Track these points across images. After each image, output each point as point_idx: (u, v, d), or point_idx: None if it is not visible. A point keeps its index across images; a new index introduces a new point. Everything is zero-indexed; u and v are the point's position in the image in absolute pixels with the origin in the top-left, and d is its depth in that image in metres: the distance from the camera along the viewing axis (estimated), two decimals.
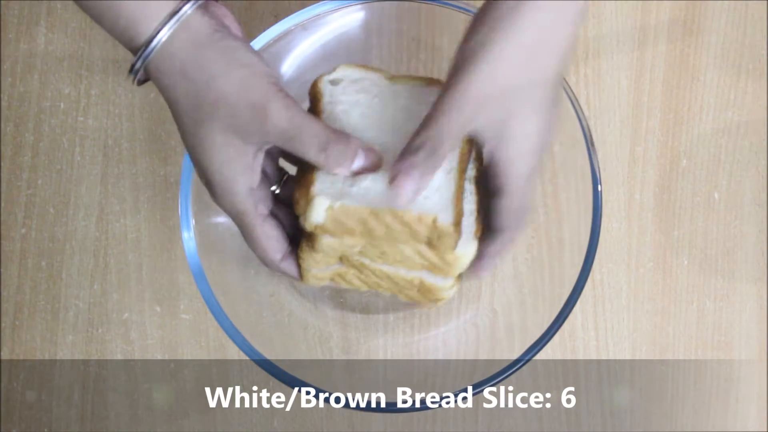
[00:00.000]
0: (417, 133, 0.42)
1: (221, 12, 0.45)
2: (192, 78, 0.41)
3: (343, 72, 0.44)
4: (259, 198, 0.45)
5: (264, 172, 0.46)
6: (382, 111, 0.45)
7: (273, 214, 0.48)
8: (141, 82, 0.44)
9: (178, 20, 0.41)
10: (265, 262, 0.48)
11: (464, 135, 0.43)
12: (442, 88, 0.42)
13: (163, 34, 0.41)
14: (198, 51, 0.41)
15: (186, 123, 0.43)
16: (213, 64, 0.41)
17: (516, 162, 0.44)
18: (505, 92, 0.42)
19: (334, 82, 0.44)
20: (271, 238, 0.47)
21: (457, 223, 0.45)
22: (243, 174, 0.43)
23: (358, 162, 0.43)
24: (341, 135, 0.43)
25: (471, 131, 0.43)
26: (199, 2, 0.42)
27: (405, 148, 0.42)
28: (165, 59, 0.41)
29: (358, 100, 0.44)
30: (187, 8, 0.41)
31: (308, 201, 0.43)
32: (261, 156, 0.44)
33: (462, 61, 0.41)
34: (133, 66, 0.42)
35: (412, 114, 0.44)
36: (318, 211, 0.43)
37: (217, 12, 0.44)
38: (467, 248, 0.48)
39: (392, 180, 0.41)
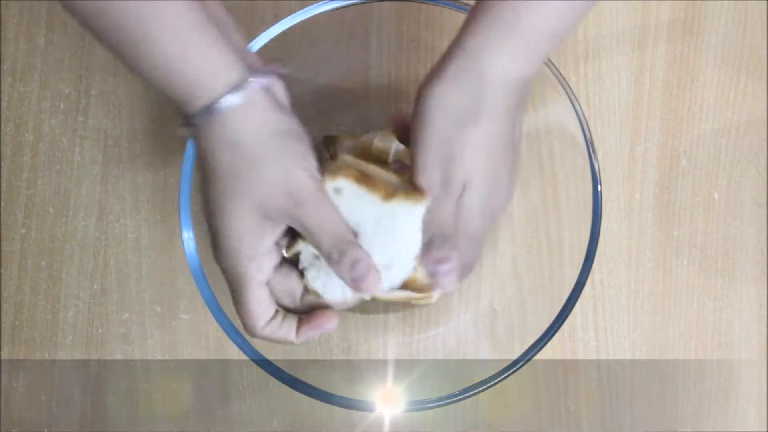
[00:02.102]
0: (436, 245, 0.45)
1: (274, 84, 0.45)
2: (241, 152, 0.42)
3: (344, 183, 0.46)
4: (261, 265, 0.46)
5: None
6: (374, 229, 0.47)
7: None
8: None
9: (245, 94, 0.42)
10: (246, 325, 0.47)
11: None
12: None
13: (228, 103, 0.41)
14: (255, 128, 0.42)
15: (216, 189, 0.43)
16: (265, 146, 0.43)
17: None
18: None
19: (336, 191, 0.46)
20: (261, 304, 0.47)
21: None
22: (254, 245, 0.44)
23: (359, 274, 0.45)
24: (355, 247, 0.45)
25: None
26: (267, 80, 0.43)
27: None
28: (218, 126, 0.42)
29: (357, 220, 0.47)
30: (256, 84, 0.42)
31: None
32: (279, 231, 0.45)
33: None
34: (187, 123, 0.43)
35: (404, 236, 0.47)
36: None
37: (272, 86, 0.45)
38: None
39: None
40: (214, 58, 0.41)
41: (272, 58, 0.47)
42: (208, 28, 0.41)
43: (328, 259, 0.45)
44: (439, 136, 0.44)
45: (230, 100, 0.41)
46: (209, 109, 0.41)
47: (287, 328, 0.48)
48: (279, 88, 0.46)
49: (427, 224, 0.46)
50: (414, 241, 0.46)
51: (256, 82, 0.42)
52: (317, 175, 0.45)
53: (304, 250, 0.48)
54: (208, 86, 0.41)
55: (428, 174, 0.45)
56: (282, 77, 0.46)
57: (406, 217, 0.46)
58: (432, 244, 0.46)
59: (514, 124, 0.45)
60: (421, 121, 0.44)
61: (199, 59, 0.41)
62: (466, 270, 0.47)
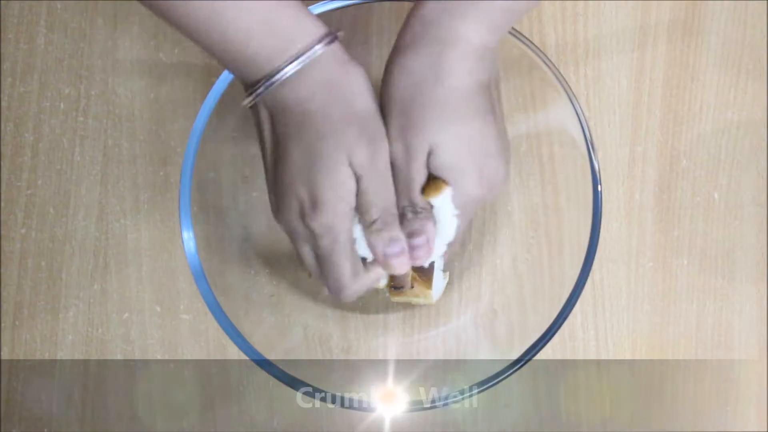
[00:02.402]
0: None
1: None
2: (335, 92, 0.43)
3: None
4: (351, 218, 0.46)
5: None
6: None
7: None
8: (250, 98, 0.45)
9: (330, 41, 0.43)
10: (338, 284, 0.48)
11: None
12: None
13: (318, 49, 0.42)
14: (343, 69, 0.43)
15: (312, 136, 0.44)
16: (354, 83, 0.43)
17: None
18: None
19: None
20: (350, 261, 0.47)
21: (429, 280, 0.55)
22: (348, 197, 0.44)
23: (394, 251, 0.46)
24: (397, 226, 0.46)
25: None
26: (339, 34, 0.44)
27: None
28: (310, 72, 0.42)
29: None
30: (338, 34, 0.44)
31: None
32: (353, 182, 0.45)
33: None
34: (273, 75, 0.43)
35: (442, 223, 0.48)
36: None
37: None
38: (439, 283, 0.58)
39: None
40: (294, 13, 0.42)
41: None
42: None
43: (370, 226, 0.45)
44: (400, 104, 0.44)
45: (321, 47, 0.42)
46: (304, 55, 0.42)
47: (375, 271, 0.48)
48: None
49: (398, 198, 0.46)
50: (449, 226, 0.47)
51: (338, 33, 0.44)
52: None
53: None
54: (301, 38, 0.42)
55: (393, 143, 0.45)
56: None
57: (440, 205, 0.46)
58: (403, 216, 0.46)
59: (483, 92, 0.45)
60: (384, 93, 0.45)
61: (283, 13, 0.42)
62: (452, 248, 0.48)
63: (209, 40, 0.42)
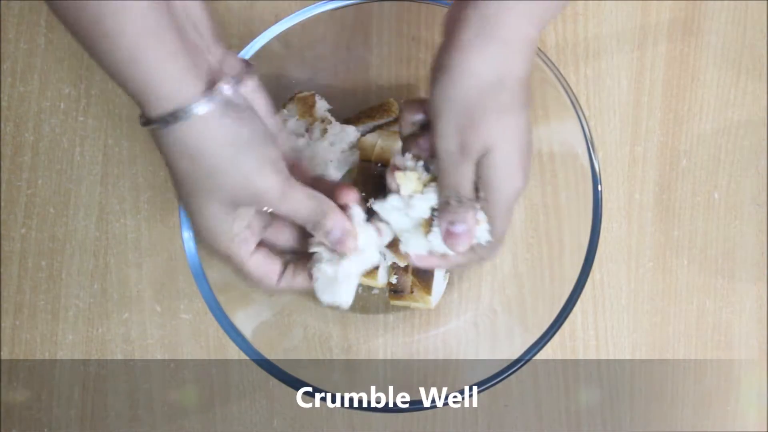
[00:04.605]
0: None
1: (244, 83, 0.45)
2: (198, 164, 0.43)
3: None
4: (244, 238, 0.47)
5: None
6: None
7: (261, 242, 0.49)
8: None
9: (201, 106, 0.41)
10: (262, 288, 0.49)
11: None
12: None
13: (183, 115, 0.41)
14: (210, 140, 0.42)
15: (182, 188, 0.44)
16: (221, 159, 0.43)
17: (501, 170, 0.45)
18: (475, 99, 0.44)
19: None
20: (261, 267, 0.48)
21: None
22: (229, 229, 0.45)
23: (335, 238, 0.47)
24: (329, 216, 0.47)
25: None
26: (229, 86, 0.43)
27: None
28: (174, 135, 0.42)
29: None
30: (215, 96, 0.42)
31: None
32: (251, 211, 0.46)
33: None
34: (147, 123, 0.42)
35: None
36: None
37: (238, 88, 0.44)
38: (439, 288, 0.58)
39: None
40: (169, 69, 0.40)
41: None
42: (170, 33, 0.40)
43: (312, 231, 0.47)
44: (461, 105, 0.43)
45: (187, 112, 0.41)
46: (164, 119, 0.41)
47: (302, 277, 0.49)
48: (249, 85, 0.46)
49: (444, 188, 0.46)
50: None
51: (214, 94, 0.42)
52: (281, 166, 0.45)
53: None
54: (163, 96, 0.41)
55: (447, 140, 0.44)
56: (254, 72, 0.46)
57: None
58: (447, 205, 0.46)
59: (528, 86, 0.45)
60: (440, 93, 0.44)
61: (155, 69, 0.40)
62: (497, 241, 0.48)
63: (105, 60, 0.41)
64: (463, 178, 0.45)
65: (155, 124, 0.41)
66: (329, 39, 0.61)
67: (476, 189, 0.46)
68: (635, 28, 0.67)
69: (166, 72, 0.40)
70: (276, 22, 0.55)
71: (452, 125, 0.44)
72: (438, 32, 0.46)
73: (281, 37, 0.56)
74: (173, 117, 0.41)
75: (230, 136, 0.43)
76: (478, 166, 0.45)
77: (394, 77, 0.65)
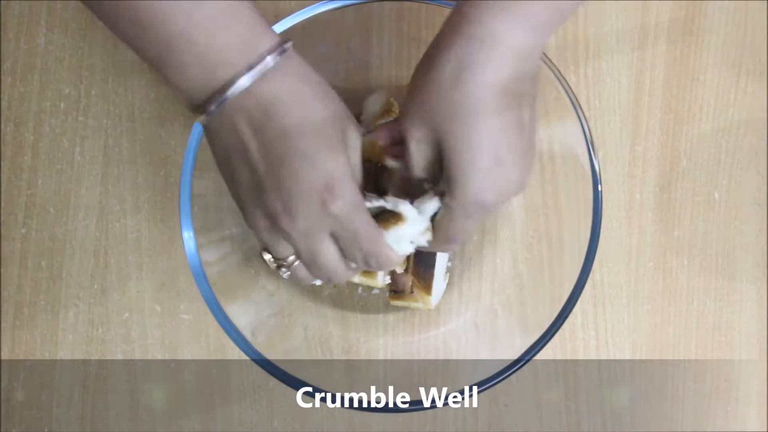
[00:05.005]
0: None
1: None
2: (295, 100, 0.42)
3: None
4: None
5: None
6: None
7: None
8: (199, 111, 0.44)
9: (282, 52, 0.42)
10: (332, 277, 0.48)
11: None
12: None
13: (271, 60, 0.41)
14: (302, 76, 0.43)
15: (270, 156, 0.43)
16: (313, 90, 0.43)
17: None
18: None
19: None
20: (335, 253, 0.47)
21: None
22: (320, 197, 0.44)
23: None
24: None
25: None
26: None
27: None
28: (267, 82, 0.42)
29: None
30: (286, 46, 0.43)
31: None
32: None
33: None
34: (207, 102, 0.42)
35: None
36: None
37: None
38: (439, 288, 0.58)
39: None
40: (247, 20, 0.41)
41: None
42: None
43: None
44: (418, 95, 0.44)
45: (266, 64, 0.41)
46: (240, 77, 0.41)
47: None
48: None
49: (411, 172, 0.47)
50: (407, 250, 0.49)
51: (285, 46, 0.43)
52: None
53: None
54: (257, 47, 0.41)
55: (408, 131, 0.45)
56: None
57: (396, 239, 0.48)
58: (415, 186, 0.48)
59: (506, 94, 0.43)
60: (410, 80, 0.45)
61: (244, 20, 0.41)
62: (451, 240, 0.48)
63: (159, 44, 0.42)
64: (414, 168, 0.46)
65: (231, 87, 0.41)
66: (329, 39, 0.61)
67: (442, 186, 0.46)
68: (635, 28, 0.67)
69: (250, 22, 0.41)
70: (276, 22, 0.55)
71: (410, 114, 0.45)
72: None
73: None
74: (258, 70, 0.41)
75: (307, 78, 0.43)
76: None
77: (394, 77, 0.65)
